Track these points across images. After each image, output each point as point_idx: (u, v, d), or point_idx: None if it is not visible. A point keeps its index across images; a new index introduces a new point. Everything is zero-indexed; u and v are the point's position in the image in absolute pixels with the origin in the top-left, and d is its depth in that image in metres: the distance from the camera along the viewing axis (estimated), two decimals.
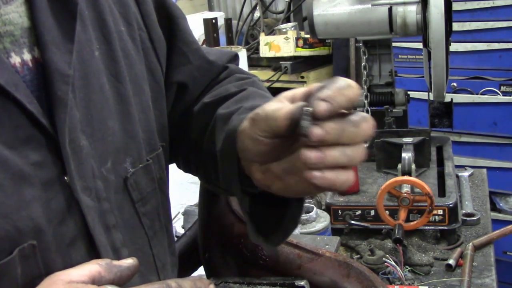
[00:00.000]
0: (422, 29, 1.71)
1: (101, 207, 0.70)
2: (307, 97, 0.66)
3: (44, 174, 0.63)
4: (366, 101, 1.95)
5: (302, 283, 0.67)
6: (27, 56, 0.65)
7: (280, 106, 0.65)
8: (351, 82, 0.63)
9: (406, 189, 1.45)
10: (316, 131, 0.60)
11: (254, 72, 3.54)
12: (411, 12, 1.72)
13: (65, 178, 0.65)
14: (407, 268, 1.38)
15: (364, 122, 0.63)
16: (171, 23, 0.92)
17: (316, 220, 1.43)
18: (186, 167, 1.01)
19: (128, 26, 0.81)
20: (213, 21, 3.03)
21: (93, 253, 0.67)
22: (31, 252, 0.60)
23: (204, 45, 3.21)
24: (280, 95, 0.70)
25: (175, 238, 1.89)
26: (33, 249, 0.61)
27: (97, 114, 0.72)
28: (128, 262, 0.64)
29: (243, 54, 2.21)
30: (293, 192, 0.70)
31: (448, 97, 1.87)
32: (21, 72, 0.64)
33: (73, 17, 0.68)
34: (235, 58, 1.06)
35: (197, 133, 0.92)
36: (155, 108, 0.85)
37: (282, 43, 3.44)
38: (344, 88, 0.62)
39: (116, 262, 0.63)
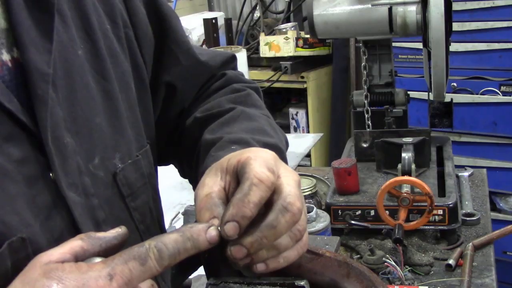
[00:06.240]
0: (422, 29, 1.71)
1: (90, 203, 0.71)
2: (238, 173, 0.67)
3: (27, 170, 0.63)
4: (366, 101, 1.95)
5: (302, 283, 0.67)
6: (6, 57, 0.65)
7: (204, 204, 0.67)
8: (258, 179, 0.62)
9: (406, 189, 1.45)
10: (237, 254, 0.63)
11: (254, 72, 3.55)
12: (411, 12, 1.72)
13: (50, 174, 0.65)
14: (407, 268, 1.38)
15: (283, 217, 0.63)
16: (163, 22, 0.92)
17: (316, 220, 1.42)
18: (181, 174, 1.01)
19: (112, 24, 0.81)
20: (213, 21, 3.03)
21: None
22: (21, 245, 0.60)
23: (204, 46, 3.21)
24: (218, 165, 0.70)
25: None
26: (23, 242, 0.60)
27: (82, 112, 0.72)
28: (114, 231, 0.62)
29: (243, 54, 2.20)
30: None
31: (448, 97, 1.87)
32: (0, 72, 0.64)
33: (51, 18, 0.68)
34: (232, 59, 1.05)
35: (187, 149, 0.93)
36: (140, 105, 0.86)
37: (282, 43, 3.44)
38: (248, 193, 0.62)
39: (100, 234, 0.61)
